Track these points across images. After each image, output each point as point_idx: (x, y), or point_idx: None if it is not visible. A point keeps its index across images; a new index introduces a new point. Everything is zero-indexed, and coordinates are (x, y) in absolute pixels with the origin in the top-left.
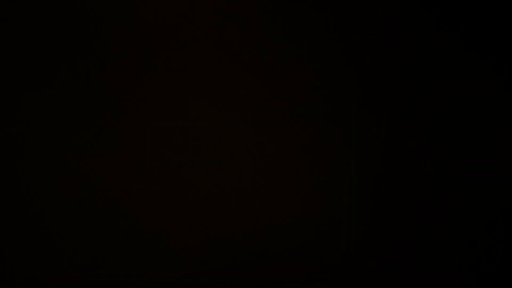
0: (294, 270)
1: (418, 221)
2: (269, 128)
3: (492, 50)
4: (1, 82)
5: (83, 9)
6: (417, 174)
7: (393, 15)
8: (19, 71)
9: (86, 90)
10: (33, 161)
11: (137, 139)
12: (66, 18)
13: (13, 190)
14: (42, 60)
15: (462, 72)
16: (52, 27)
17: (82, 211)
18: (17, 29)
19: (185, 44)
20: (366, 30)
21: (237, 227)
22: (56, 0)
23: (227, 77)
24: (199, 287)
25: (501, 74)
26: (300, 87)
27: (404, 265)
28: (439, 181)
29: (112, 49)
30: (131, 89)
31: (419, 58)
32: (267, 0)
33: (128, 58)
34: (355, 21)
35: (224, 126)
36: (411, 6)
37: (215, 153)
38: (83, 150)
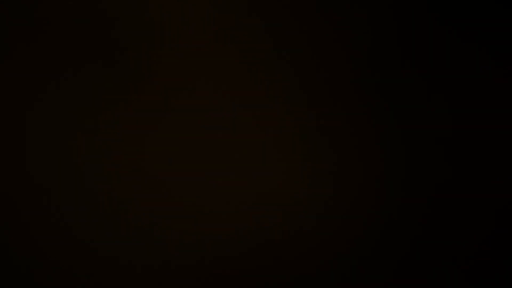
0: (292, 269)
1: (417, 222)
2: (267, 128)
3: (492, 50)
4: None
5: (86, 9)
6: (415, 174)
7: (390, 16)
8: (22, 71)
9: (87, 88)
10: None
11: (135, 138)
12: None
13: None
14: (45, 60)
15: (460, 71)
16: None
17: (81, 210)
18: (17, 30)
19: (184, 44)
20: (364, 30)
21: (235, 226)
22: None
23: (225, 75)
24: (197, 286)
25: (501, 73)
26: (296, 86)
27: (402, 265)
28: (438, 180)
29: (114, 48)
30: (131, 87)
31: (416, 58)
32: (266, 1)
33: (128, 57)
34: (351, 20)
35: (224, 125)
36: (408, 6)
37: (213, 152)
38: (83, 147)
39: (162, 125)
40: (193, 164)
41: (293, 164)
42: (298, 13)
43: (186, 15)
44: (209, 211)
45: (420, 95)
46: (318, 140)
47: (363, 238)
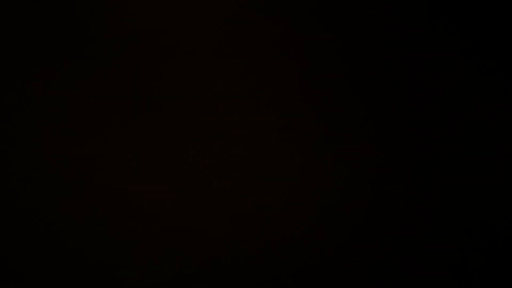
0: (291, 268)
1: (413, 220)
2: (266, 127)
3: (492, 50)
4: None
5: (85, 11)
6: (414, 173)
7: (389, 15)
8: (18, 71)
9: (86, 91)
10: (33, 160)
11: (135, 138)
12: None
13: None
14: (41, 61)
15: (459, 71)
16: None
17: (80, 209)
18: (17, 30)
19: (183, 47)
20: (363, 29)
21: (235, 225)
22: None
23: (231, 77)
24: (195, 286)
25: (501, 74)
26: (296, 86)
27: (397, 263)
28: (436, 180)
29: (113, 51)
30: (132, 89)
31: (415, 57)
32: (265, 1)
33: (127, 60)
34: (351, 20)
35: (223, 125)
36: (408, 5)
37: (213, 151)
38: (84, 148)
39: (170, 128)
40: (202, 168)
41: (301, 167)
42: (304, 15)
43: (191, 20)
44: (213, 212)
45: (432, 98)
46: (328, 143)
47: (369, 240)
